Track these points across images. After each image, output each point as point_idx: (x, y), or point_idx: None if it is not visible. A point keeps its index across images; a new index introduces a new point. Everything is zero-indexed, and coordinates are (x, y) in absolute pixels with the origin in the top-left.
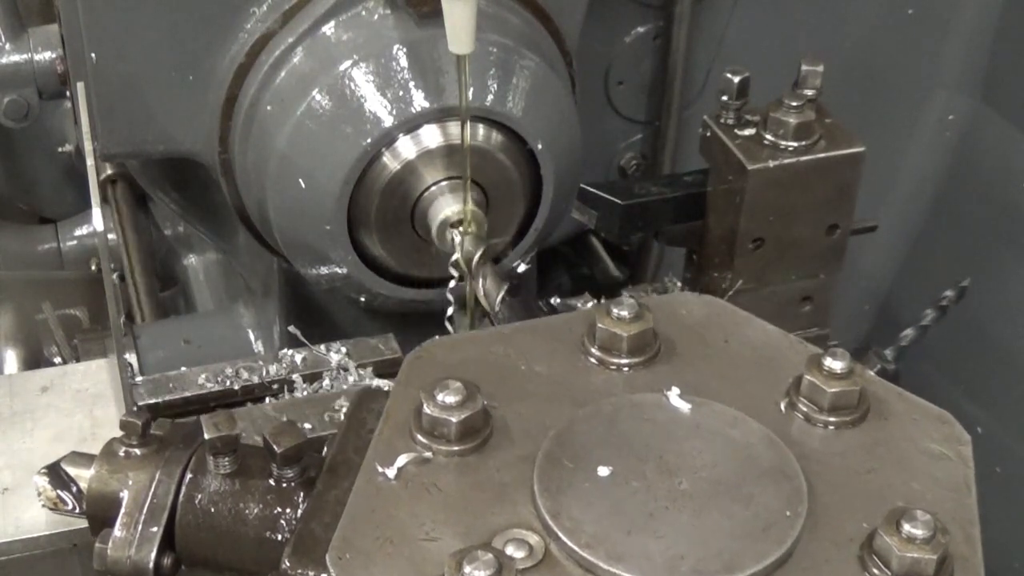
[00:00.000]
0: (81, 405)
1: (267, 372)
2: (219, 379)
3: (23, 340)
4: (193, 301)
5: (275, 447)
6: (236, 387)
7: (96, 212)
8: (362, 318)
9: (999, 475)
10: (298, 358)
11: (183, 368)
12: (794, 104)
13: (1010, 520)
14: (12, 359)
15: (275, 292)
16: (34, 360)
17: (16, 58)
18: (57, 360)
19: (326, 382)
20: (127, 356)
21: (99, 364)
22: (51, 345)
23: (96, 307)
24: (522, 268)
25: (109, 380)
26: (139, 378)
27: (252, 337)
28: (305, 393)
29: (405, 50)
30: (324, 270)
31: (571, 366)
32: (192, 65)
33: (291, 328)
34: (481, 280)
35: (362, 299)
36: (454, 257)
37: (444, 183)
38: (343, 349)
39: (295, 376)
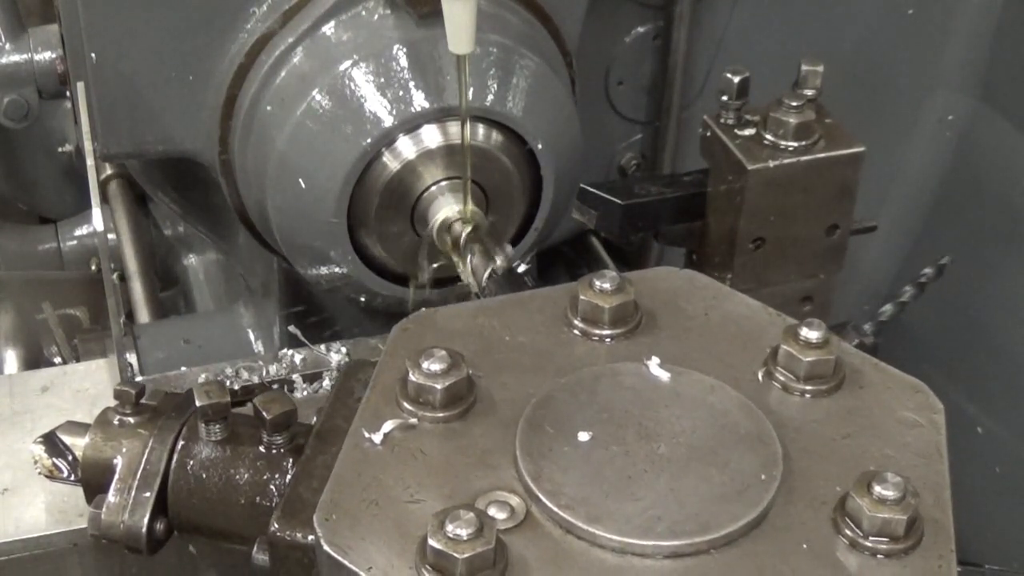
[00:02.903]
0: (81, 405)
1: (267, 372)
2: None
3: (23, 340)
4: (193, 301)
5: (265, 414)
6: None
7: (96, 212)
8: (362, 318)
9: (999, 475)
10: (298, 358)
11: (183, 368)
12: (794, 104)
13: (1010, 520)
14: (12, 359)
15: (275, 292)
16: (34, 360)
17: (16, 58)
18: (57, 360)
19: (326, 382)
20: (127, 356)
21: (99, 364)
22: (51, 345)
23: (96, 307)
24: (522, 268)
25: (109, 380)
26: (139, 378)
27: (252, 337)
28: (305, 393)
29: (405, 50)
30: (324, 270)
31: (554, 337)
32: (192, 65)
33: (291, 328)
34: (469, 256)
35: (362, 299)
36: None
37: (444, 183)
38: (343, 349)
39: (295, 376)
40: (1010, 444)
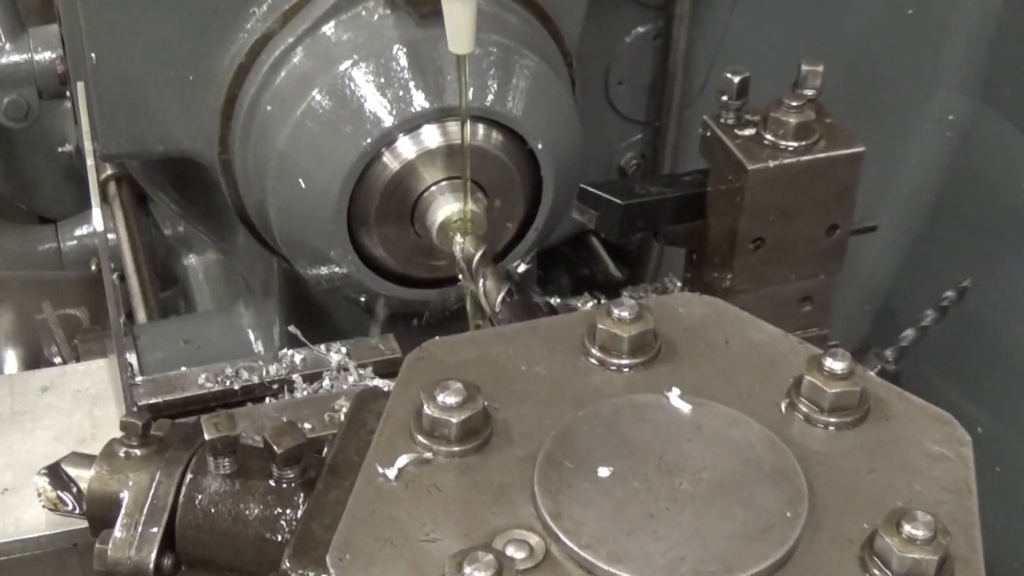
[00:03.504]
0: (81, 405)
1: (267, 372)
2: (219, 379)
3: (23, 340)
4: (193, 301)
5: (275, 448)
6: (236, 387)
7: (96, 212)
8: (362, 318)
9: (999, 475)
10: (298, 358)
11: (183, 368)
12: (794, 104)
13: (1010, 520)
14: (12, 359)
15: (275, 292)
16: (34, 360)
17: (16, 58)
18: (57, 360)
19: (326, 382)
20: (127, 356)
21: (99, 364)
22: (51, 345)
23: (96, 307)
24: (522, 268)
25: (109, 380)
26: (139, 378)
27: (252, 337)
28: (305, 393)
29: (405, 50)
30: (324, 270)
31: (572, 367)
32: (192, 65)
33: (291, 328)
34: (481, 281)
35: (362, 299)
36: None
37: (444, 183)
38: (343, 349)
39: (295, 376)
40: (1010, 444)
